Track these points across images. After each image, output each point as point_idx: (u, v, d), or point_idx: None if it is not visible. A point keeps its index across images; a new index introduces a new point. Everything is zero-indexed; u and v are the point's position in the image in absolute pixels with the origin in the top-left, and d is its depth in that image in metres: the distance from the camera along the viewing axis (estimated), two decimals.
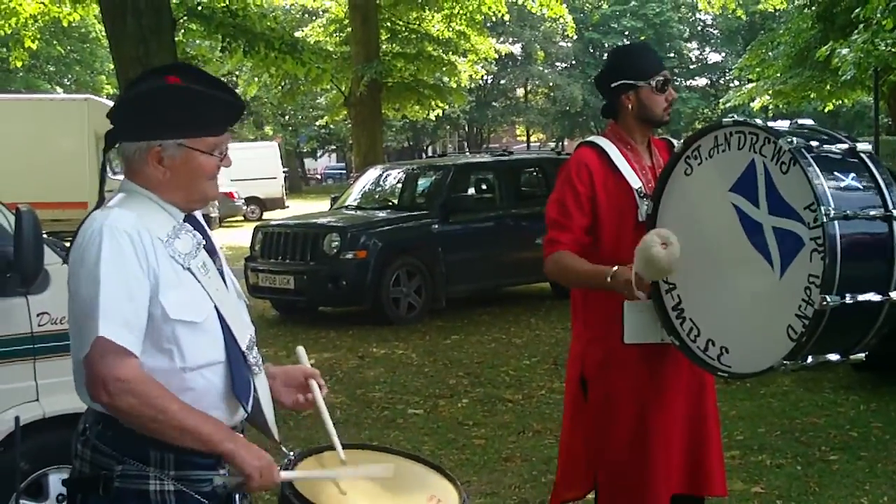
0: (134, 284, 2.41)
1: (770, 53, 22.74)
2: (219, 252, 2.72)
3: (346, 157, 60.84)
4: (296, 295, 12.31)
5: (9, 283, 4.42)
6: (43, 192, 15.28)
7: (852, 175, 3.28)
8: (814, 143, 3.25)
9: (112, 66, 18.25)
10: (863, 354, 3.39)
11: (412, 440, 7.01)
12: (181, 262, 2.52)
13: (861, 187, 3.27)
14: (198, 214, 2.70)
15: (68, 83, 39.46)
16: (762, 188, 3.35)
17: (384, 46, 23.29)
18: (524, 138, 64.27)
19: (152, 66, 2.79)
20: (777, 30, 24.80)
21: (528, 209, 13.13)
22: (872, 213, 3.20)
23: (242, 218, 32.61)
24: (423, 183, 14.36)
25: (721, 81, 57.47)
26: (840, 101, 25.08)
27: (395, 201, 13.93)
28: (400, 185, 14.27)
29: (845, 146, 3.34)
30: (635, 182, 3.76)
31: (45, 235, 4.43)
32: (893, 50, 13.81)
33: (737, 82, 37.08)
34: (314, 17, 30.88)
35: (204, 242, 2.63)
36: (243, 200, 32.22)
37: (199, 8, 15.20)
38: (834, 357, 3.34)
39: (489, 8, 23.79)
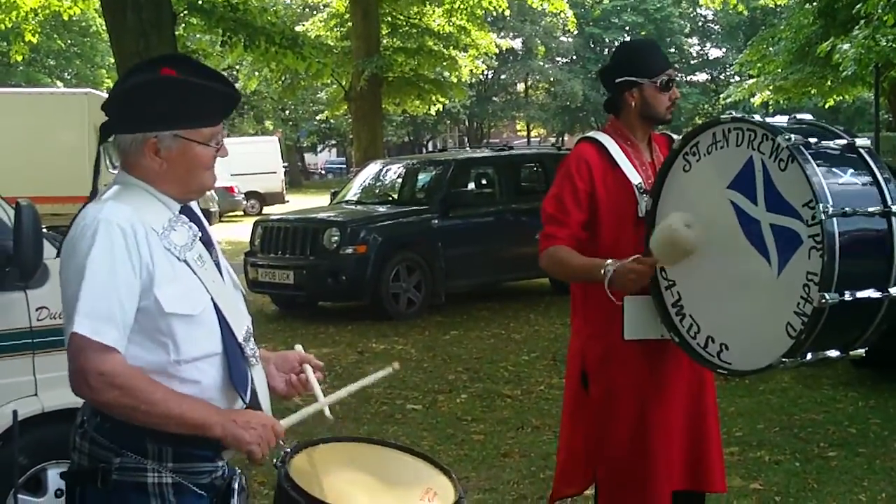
0: (122, 279, 2.40)
1: (771, 49, 22.69)
2: (215, 243, 2.72)
3: (347, 151, 60.75)
4: (295, 290, 12.32)
5: (8, 278, 4.42)
6: (43, 186, 15.28)
7: (851, 171, 3.27)
8: (812, 140, 3.24)
9: (112, 60, 18.22)
10: (862, 350, 3.39)
11: (411, 435, 7.01)
12: (177, 254, 2.52)
13: (860, 184, 3.26)
14: (194, 205, 2.70)
15: (69, 77, 39.43)
16: (760, 185, 3.34)
17: (385, 41, 23.26)
18: (524, 133, 64.20)
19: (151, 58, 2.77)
20: (778, 25, 24.76)
21: (528, 204, 13.08)
22: (871, 209, 3.20)
23: (242, 212, 32.62)
24: (423, 178, 14.36)
25: (722, 77, 57.39)
26: (841, 97, 25.01)
27: (395, 196, 13.93)
28: (400, 180, 14.26)
29: (844, 142, 3.34)
30: (635, 178, 3.76)
31: (44, 229, 4.43)
32: (894, 46, 13.78)
33: (737, 78, 37.06)
34: (315, 12, 30.89)
35: (200, 234, 2.62)
36: (243, 195, 32.21)
37: (200, 2, 15.19)
38: (833, 353, 3.34)
39: (490, 3, 23.79)
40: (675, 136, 3.91)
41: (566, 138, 56.36)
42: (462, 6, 23.79)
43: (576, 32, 49.28)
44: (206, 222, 2.72)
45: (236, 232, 23.78)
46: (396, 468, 2.82)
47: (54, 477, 4.74)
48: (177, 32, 13.75)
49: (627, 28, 53.96)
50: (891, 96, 22.25)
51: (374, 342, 10.69)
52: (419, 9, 24.49)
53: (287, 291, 12.51)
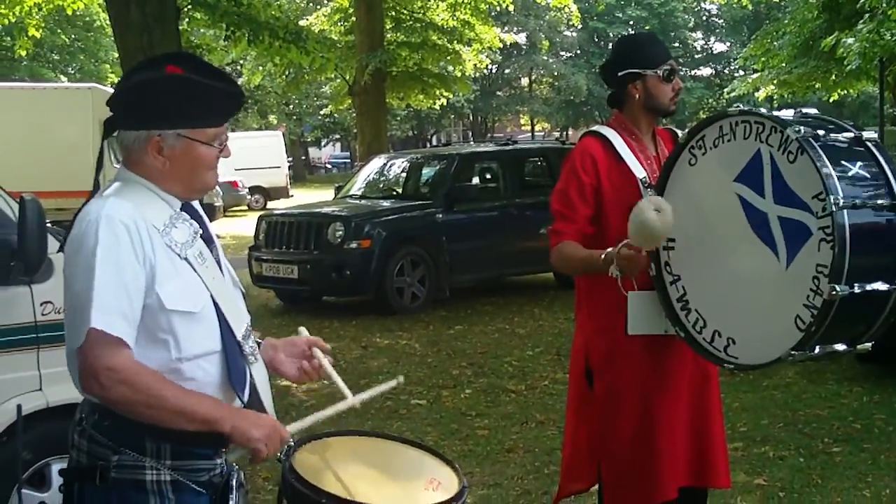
0: (129, 275, 2.39)
1: (775, 43, 22.67)
2: (215, 241, 2.71)
3: (351, 146, 60.83)
4: (300, 284, 12.31)
5: (12, 272, 4.41)
6: (47, 180, 15.26)
7: (859, 164, 3.27)
8: (820, 132, 3.24)
9: (116, 55, 18.18)
10: (868, 344, 3.38)
11: (415, 430, 7.01)
12: (178, 251, 2.51)
13: (868, 176, 3.26)
14: (195, 203, 2.69)
15: (72, 72, 39.41)
16: (768, 178, 3.33)
17: (389, 35, 23.25)
18: (528, 128, 64.20)
19: (156, 54, 2.76)
20: (782, 19, 24.71)
21: (532, 199, 13.12)
22: (880, 202, 3.20)
23: (246, 207, 32.61)
24: (427, 172, 14.35)
25: (726, 71, 57.33)
26: (845, 91, 25.01)
27: (400, 191, 13.93)
28: (404, 175, 14.26)
29: (851, 135, 3.33)
30: (640, 172, 3.76)
31: (48, 224, 4.43)
32: None
33: (741, 72, 36.99)
34: (318, 6, 30.85)
35: (201, 231, 2.61)
36: (247, 190, 32.21)
37: None
38: (841, 347, 3.33)
39: None
40: (679, 132, 3.91)
41: (570, 133, 56.37)
42: (466, 0, 23.76)
43: (580, 27, 49.29)
44: (206, 219, 2.71)
45: (240, 227, 23.81)
46: (400, 460, 2.83)
47: (58, 472, 4.74)
48: (180, 27, 13.74)
49: (631, 22, 53.91)
50: (895, 90, 22.21)
51: (378, 337, 10.69)
52: (423, 3, 24.49)
53: (291, 286, 12.50)
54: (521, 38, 50.88)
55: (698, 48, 60.23)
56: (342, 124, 54.19)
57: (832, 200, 3.07)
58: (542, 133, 63.02)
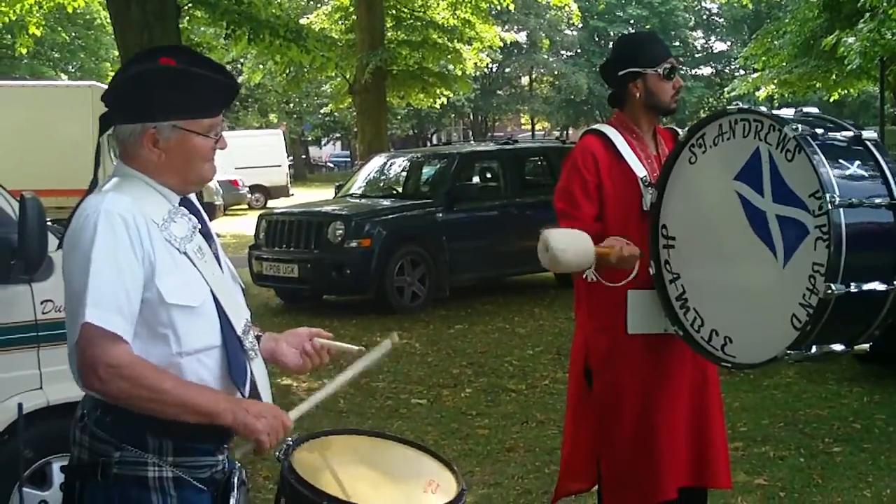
0: (127, 270, 2.39)
1: (776, 42, 22.66)
2: (214, 236, 2.71)
3: (351, 144, 60.77)
4: (300, 283, 12.31)
5: (13, 271, 4.41)
6: (47, 179, 15.24)
7: (857, 163, 3.27)
8: (819, 131, 3.24)
9: (117, 53, 18.19)
10: (867, 345, 3.38)
11: (415, 430, 7.01)
12: (177, 245, 2.51)
13: (866, 175, 3.26)
14: (193, 197, 2.69)
15: (73, 70, 39.42)
16: (767, 176, 3.34)
17: (389, 34, 23.24)
18: (529, 127, 64.19)
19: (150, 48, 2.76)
20: (783, 19, 24.71)
21: (533, 198, 13.11)
22: (878, 201, 3.19)
23: (246, 206, 32.58)
24: (427, 171, 14.34)
25: (726, 70, 57.32)
26: (846, 91, 24.98)
27: (400, 189, 13.92)
28: (404, 174, 14.25)
29: (850, 134, 3.33)
30: (640, 171, 3.76)
31: (49, 222, 4.43)
32: None
33: (742, 71, 36.97)
34: (319, 5, 30.85)
35: (199, 226, 2.61)
36: (247, 188, 32.19)
37: None
38: (838, 347, 3.33)
39: None
40: (680, 131, 3.91)
41: (570, 132, 56.33)
42: None
43: (580, 26, 49.28)
44: (205, 214, 2.71)
45: (241, 225, 23.80)
46: (399, 461, 2.83)
47: (59, 470, 4.74)
48: (181, 25, 13.74)
49: (632, 21, 53.88)
50: None
51: (378, 336, 10.67)
52: (424, 1, 24.47)
53: (291, 285, 12.50)
54: (522, 37, 50.85)
55: (699, 47, 60.20)
56: (342, 123, 54.17)
57: (828, 199, 3.07)
58: (543, 132, 63.01)
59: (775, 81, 23.42)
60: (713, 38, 60.96)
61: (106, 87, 2.73)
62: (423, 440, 6.22)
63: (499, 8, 25.63)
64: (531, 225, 12.75)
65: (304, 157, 59.44)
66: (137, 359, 2.39)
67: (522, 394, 8.06)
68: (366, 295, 12.16)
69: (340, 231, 11.92)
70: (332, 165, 67.16)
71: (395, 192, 13.93)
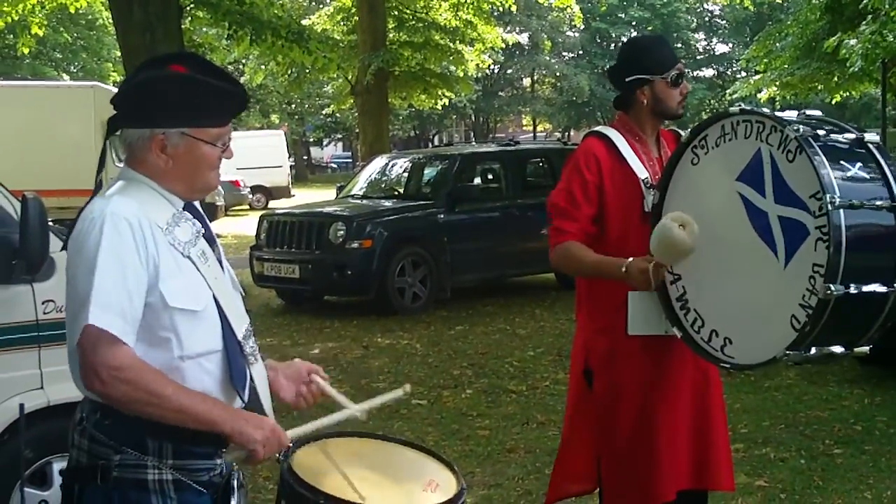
0: (131, 273, 2.40)
1: (777, 44, 22.63)
2: (216, 240, 2.72)
3: (353, 145, 60.77)
4: (301, 284, 12.32)
5: (14, 271, 4.41)
6: (49, 179, 15.24)
7: (859, 165, 3.26)
8: (821, 133, 3.24)
9: (118, 54, 18.21)
10: (867, 348, 3.37)
11: (416, 430, 7.01)
12: (181, 250, 2.51)
13: (868, 177, 3.25)
14: (196, 202, 2.69)
15: (75, 70, 39.44)
16: (768, 177, 3.33)
17: (391, 35, 23.25)
18: (530, 128, 64.17)
19: (158, 53, 2.76)
20: (785, 21, 24.70)
21: (534, 199, 13.08)
22: (879, 203, 3.19)
23: (248, 206, 32.61)
24: (428, 172, 14.35)
25: (728, 72, 57.29)
26: (847, 93, 24.96)
27: (401, 190, 13.93)
28: (406, 175, 14.25)
29: (852, 136, 3.33)
30: (642, 172, 3.75)
31: (50, 223, 4.43)
32: None
33: (744, 73, 36.97)
34: (321, 6, 30.88)
35: (203, 231, 2.62)
36: (249, 189, 32.22)
37: None
38: (838, 349, 3.32)
39: None
40: (682, 133, 3.91)
41: (572, 133, 56.33)
42: (469, 0, 23.75)
43: (582, 27, 49.30)
44: (206, 219, 2.71)
45: (242, 226, 23.81)
46: (399, 462, 2.83)
47: (59, 470, 4.74)
48: (183, 26, 13.75)
49: (634, 23, 53.88)
50: None
51: (379, 337, 10.69)
52: (426, 3, 24.47)
53: (292, 286, 12.51)
54: (524, 39, 50.84)
55: (700, 49, 60.16)
56: (344, 124, 54.17)
57: (828, 199, 3.07)
58: (544, 134, 62.95)
59: (777, 83, 23.40)
60: (715, 40, 60.95)
61: (108, 87, 2.74)
62: (423, 441, 6.22)
63: (501, 9, 25.66)
64: (532, 226, 12.88)
65: (305, 157, 59.46)
66: (140, 362, 2.39)
67: (523, 395, 8.06)
68: (367, 296, 12.17)
69: (342, 232, 11.92)
70: (333, 166, 67.13)
71: (396, 193, 13.94)
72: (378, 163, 15.04)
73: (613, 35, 53.63)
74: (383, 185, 14.34)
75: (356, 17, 23.21)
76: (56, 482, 4.74)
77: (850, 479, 5.80)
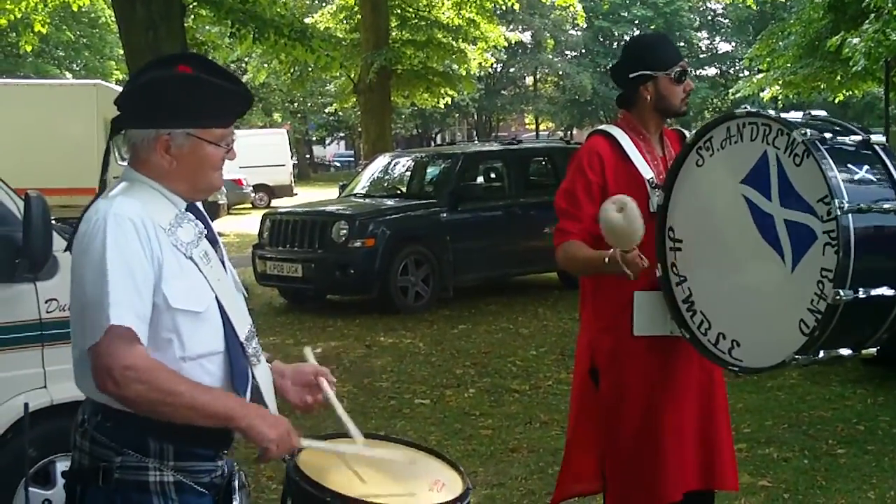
0: (139, 272, 2.40)
1: (780, 43, 22.60)
2: (219, 241, 2.71)
3: (355, 144, 60.73)
4: (304, 283, 12.32)
5: (17, 269, 4.41)
6: (52, 177, 15.27)
7: (866, 167, 3.25)
8: (827, 135, 3.23)
9: (121, 52, 18.21)
10: (874, 349, 3.37)
11: (418, 430, 7.01)
12: (183, 250, 2.51)
13: (875, 180, 3.24)
14: (198, 203, 2.69)
15: (77, 68, 39.45)
16: (774, 180, 3.33)
17: (394, 33, 23.23)
18: (533, 127, 64.14)
19: (161, 52, 2.78)
20: (787, 20, 24.65)
21: (537, 198, 13.10)
22: (886, 206, 3.18)
23: (250, 205, 32.59)
24: (431, 171, 14.34)
25: (731, 71, 57.24)
26: (850, 92, 24.91)
27: (404, 189, 13.92)
28: (409, 173, 14.25)
29: (859, 138, 3.32)
30: (647, 172, 3.75)
31: (53, 221, 4.43)
32: None
33: (747, 72, 36.92)
34: (324, 4, 30.83)
35: (205, 231, 2.62)
36: (251, 188, 32.20)
37: None
38: (846, 352, 3.32)
39: None
40: (686, 132, 3.90)
41: (575, 132, 56.33)
42: None
43: (585, 26, 49.18)
44: (209, 219, 2.71)
45: (245, 225, 23.80)
46: (404, 462, 2.82)
47: (63, 469, 4.73)
48: (186, 24, 13.74)
49: (637, 22, 53.85)
50: None
51: (381, 336, 10.69)
52: (428, 1, 24.45)
53: (295, 284, 12.51)
54: (527, 37, 50.78)
55: (703, 48, 60.11)
56: (347, 122, 54.16)
57: (837, 204, 3.06)
58: (547, 132, 62.92)
59: (780, 82, 23.36)
60: (718, 39, 60.91)
61: (111, 86, 2.74)
62: (426, 440, 6.22)
63: (503, 8, 25.63)
64: (535, 225, 12.87)
65: (308, 156, 59.46)
66: (153, 361, 2.39)
67: (526, 394, 8.05)
68: (369, 295, 12.17)
69: (344, 231, 11.92)
70: (336, 165, 67.14)
71: (399, 191, 13.93)
72: (381, 161, 15.03)
73: (616, 33, 53.58)
74: (386, 184, 14.33)
75: (359, 16, 23.19)
76: (59, 482, 4.74)
77: (853, 478, 5.79)
